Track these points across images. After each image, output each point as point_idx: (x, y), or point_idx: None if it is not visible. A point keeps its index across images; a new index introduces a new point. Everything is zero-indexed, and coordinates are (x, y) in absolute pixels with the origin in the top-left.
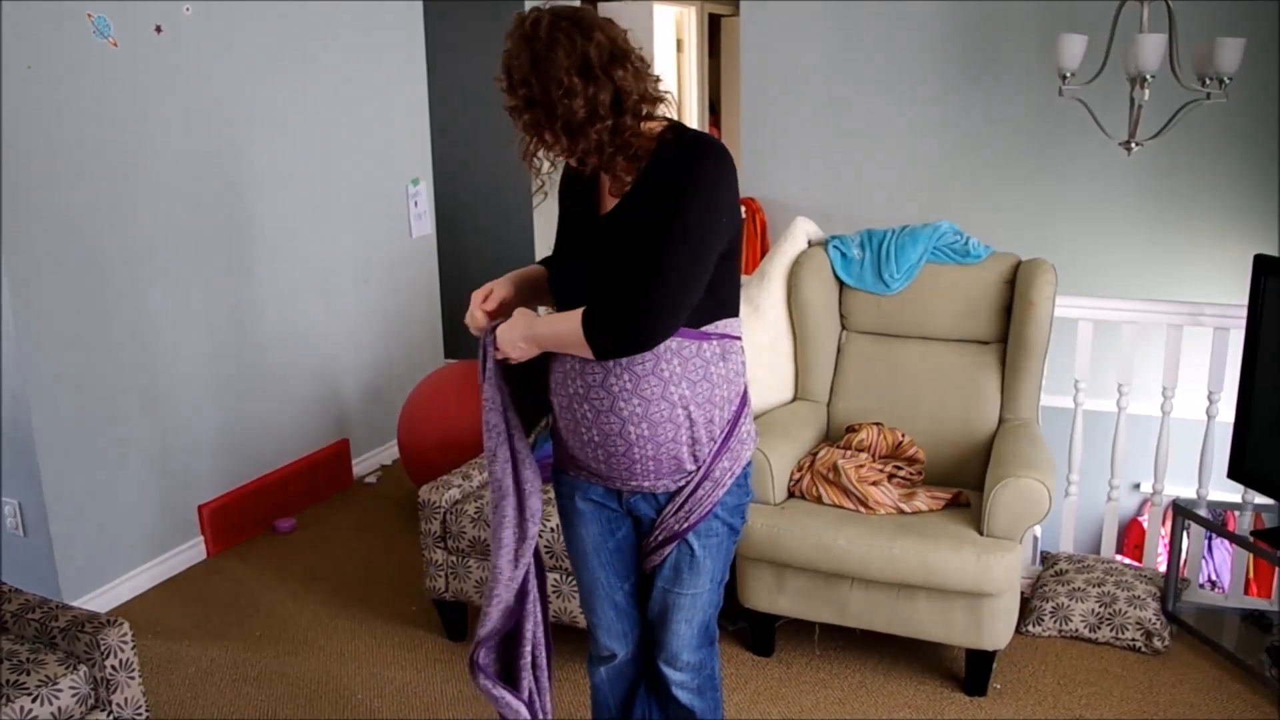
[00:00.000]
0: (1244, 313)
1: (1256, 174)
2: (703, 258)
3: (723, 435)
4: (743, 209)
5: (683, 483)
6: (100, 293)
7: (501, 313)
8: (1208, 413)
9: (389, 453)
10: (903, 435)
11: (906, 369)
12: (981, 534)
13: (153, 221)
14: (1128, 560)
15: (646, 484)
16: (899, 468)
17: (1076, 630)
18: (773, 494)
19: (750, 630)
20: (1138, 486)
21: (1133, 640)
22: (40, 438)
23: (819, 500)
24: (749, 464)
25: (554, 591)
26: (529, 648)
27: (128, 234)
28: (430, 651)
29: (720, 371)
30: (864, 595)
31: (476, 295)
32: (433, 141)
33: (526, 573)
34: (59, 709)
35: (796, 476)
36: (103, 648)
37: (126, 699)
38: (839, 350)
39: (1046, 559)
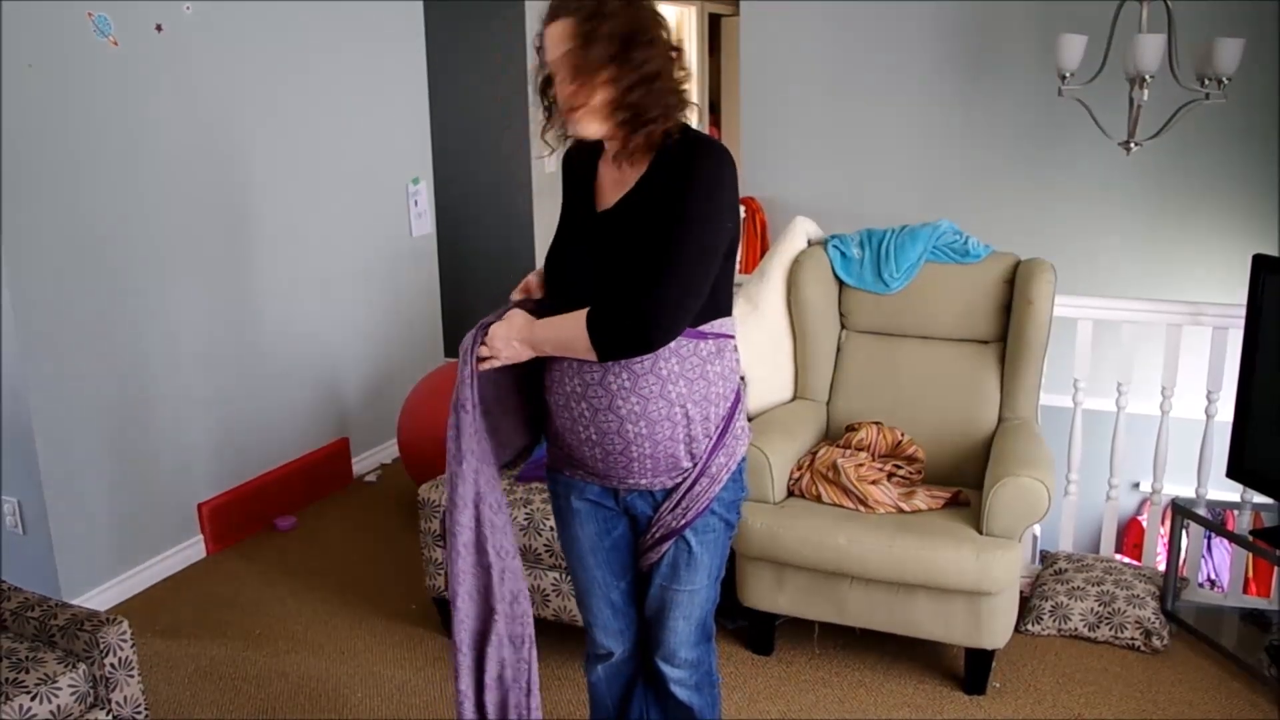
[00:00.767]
0: (1243, 312)
1: (1255, 174)
2: (707, 259)
3: (718, 432)
4: (742, 209)
5: (679, 480)
6: (100, 291)
7: (525, 291)
8: (1207, 412)
9: (389, 451)
10: (902, 434)
11: (906, 368)
12: (981, 533)
13: (153, 220)
14: (1127, 559)
15: (644, 482)
16: (898, 467)
17: (1075, 629)
18: (772, 493)
19: (750, 629)
20: (1137, 486)
21: (1132, 639)
22: (40, 436)
23: (819, 499)
24: (744, 459)
25: (553, 590)
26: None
27: (128, 232)
28: (430, 650)
29: (716, 369)
30: (863, 594)
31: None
32: (433, 140)
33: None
34: (58, 707)
35: (796, 475)
36: (102, 646)
37: (126, 697)
38: (838, 349)
39: (1046, 558)
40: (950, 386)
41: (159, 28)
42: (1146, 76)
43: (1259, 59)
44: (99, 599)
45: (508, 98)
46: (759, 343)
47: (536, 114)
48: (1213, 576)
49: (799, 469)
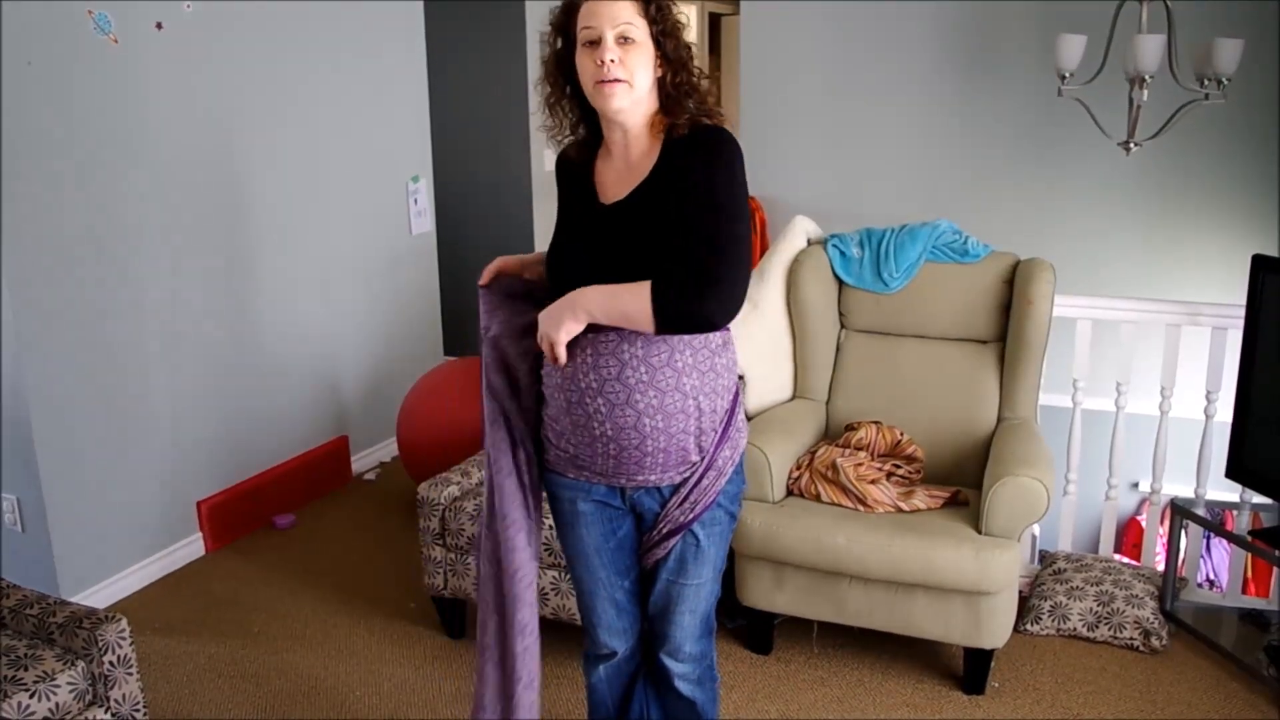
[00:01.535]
0: (1242, 312)
1: (1254, 174)
2: (748, 242)
3: (723, 425)
4: None
5: (687, 474)
6: (99, 288)
7: (492, 279)
8: (1206, 412)
9: (388, 449)
10: (901, 434)
11: (905, 368)
12: (980, 532)
13: (153, 218)
14: (1126, 559)
15: (654, 477)
16: (898, 466)
17: (1074, 629)
18: (771, 492)
19: (749, 628)
20: (1136, 485)
21: (1130, 639)
22: (39, 433)
23: (818, 498)
24: (744, 451)
25: (552, 589)
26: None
27: (127, 230)
28: (429, 649)
29: (723, 361)
30: (862, 593)
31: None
32: (433, 138)
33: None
34: (56, 705)
35: (795, 475)
36: (101, 644)
37: (124, 695)
38: (838, 349)
39: (1045, 558)
40: (949, 386)
41: (159, 25)
42: (1146, 77)
43: (1259, 59)
44: (98, 596)
45: (508, 96)
46: (759, 342)
47: (536, 112)
48: (1211, 576)
49: (798, 468)
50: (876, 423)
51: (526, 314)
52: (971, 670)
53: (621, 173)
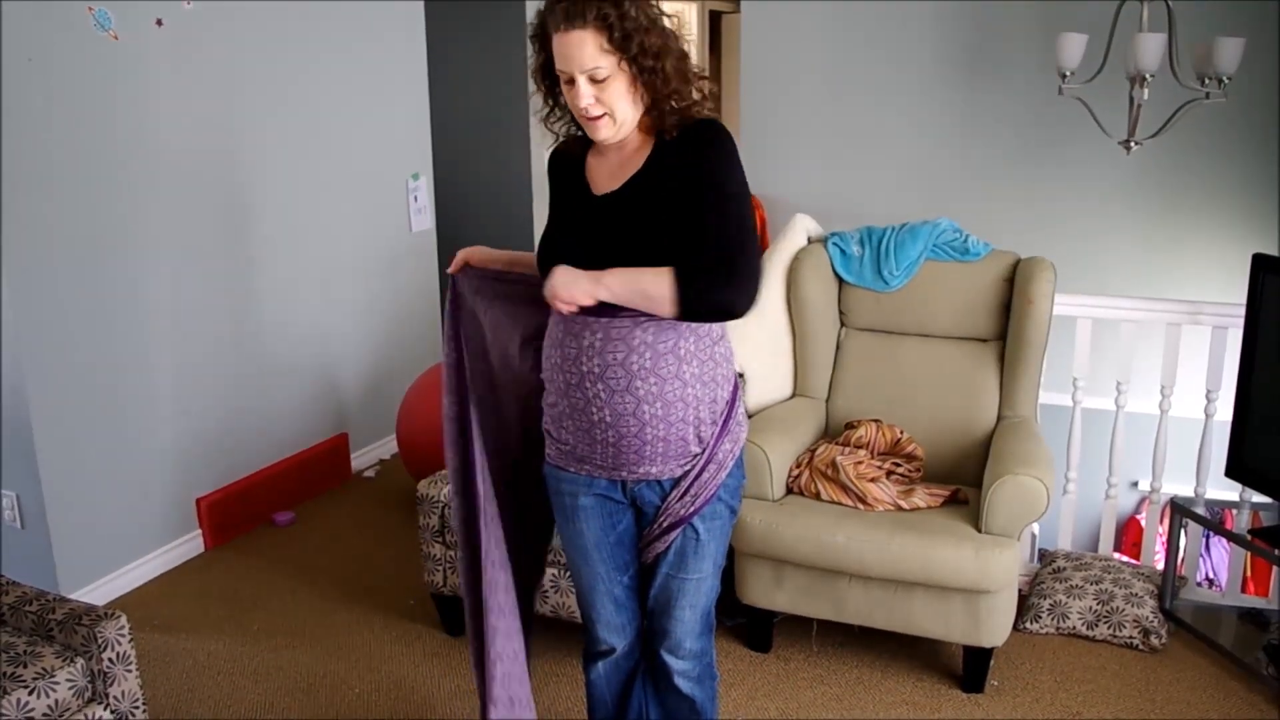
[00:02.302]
0: (1242, 311)
1: (1255, 173)
2: (755, 225)
3: (723, 417)
4: None
5: (687, 467)
6: (99, 286)
7: (463, 272)
8: (1206, 411)
9: (388, 447)
10: (901, 432)
11: (905, 366)
12: (980, 531)
13: (153, 215)
14: (1125, 558)
15: (654, 470)
16: (897, 464)
17: (1074, 628)
18: (771, 490)
19: (748, 626)
20: (1136, 484)
21: (1130, 638)
22: (39, 430)
23: (817, 497)
24: (744, 446)
25: (551, 587)
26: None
27: (127, 227)
28: (428, 646)
29: (721, 351)
30: (862, 592)
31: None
32: (433, 136)
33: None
34: (56, 702)
35: (795, 473)
36: (100, 640)
37: (124, 692)
38: (838, 347)
39: (1044, 556)
40: (950, 385)
41: (159, 22)
42: (1147, 75)
43: (1259, 58)
44: (97, 593)
45: (507, 93)
46: (758, 340)
47: (536, 108)
48: (1211, 575)
49: (798, 466)
50: (876, 421)
51: (509, 305)
52: (971, 669)
53: (614, 166)
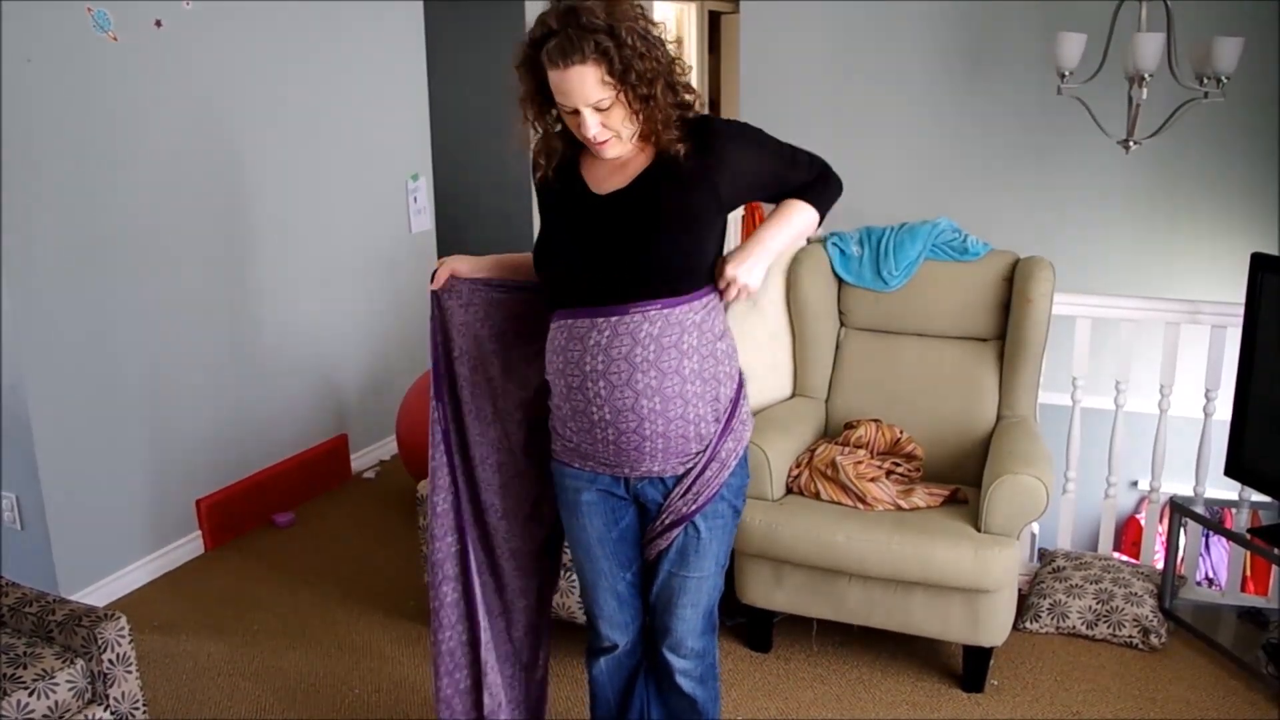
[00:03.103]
0: (1241, 310)
1: (1254, 172)
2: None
3: (726, 416)
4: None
5: (690, 465)
6: (99, 287)
7: (449, 286)
8: (1205, 410)
9: (387, 448)
10: (901, 432)
11: (905, 366)
12: (979, 530)
13: (152, 215)
14: (1125, 557)
15: (655, 467)
16: (897, 464)
17: (1074, 627)
18: (771, 490)
19: (748, 626)
20: (1135, 484)
21: (1130, 637)
22: (38, 431)
23: (817, 496)
24: (747, 446)
25: None
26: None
27: (127, 228)
28: (428, 646)
29: (722, 348)
30: (862, 591)
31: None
32: (432, 136)
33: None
34: (56, 703)
35: (795, 473)
36: (100, 642)
37: (124, 693)
38: (837, 347)
39: (1044, 556)
40: (949, 384)
41: (158, 23)
42: (1146, 75)
43: (1258, 58)
44: (97, 595)
45: (507, 93)
46: (758, 340)
47: (527, 139)
48: (1210, 574)
49: (798, 466)
50: (876, 421)
51: (504, 312)
52: (971, 668)
53: (614, 166)
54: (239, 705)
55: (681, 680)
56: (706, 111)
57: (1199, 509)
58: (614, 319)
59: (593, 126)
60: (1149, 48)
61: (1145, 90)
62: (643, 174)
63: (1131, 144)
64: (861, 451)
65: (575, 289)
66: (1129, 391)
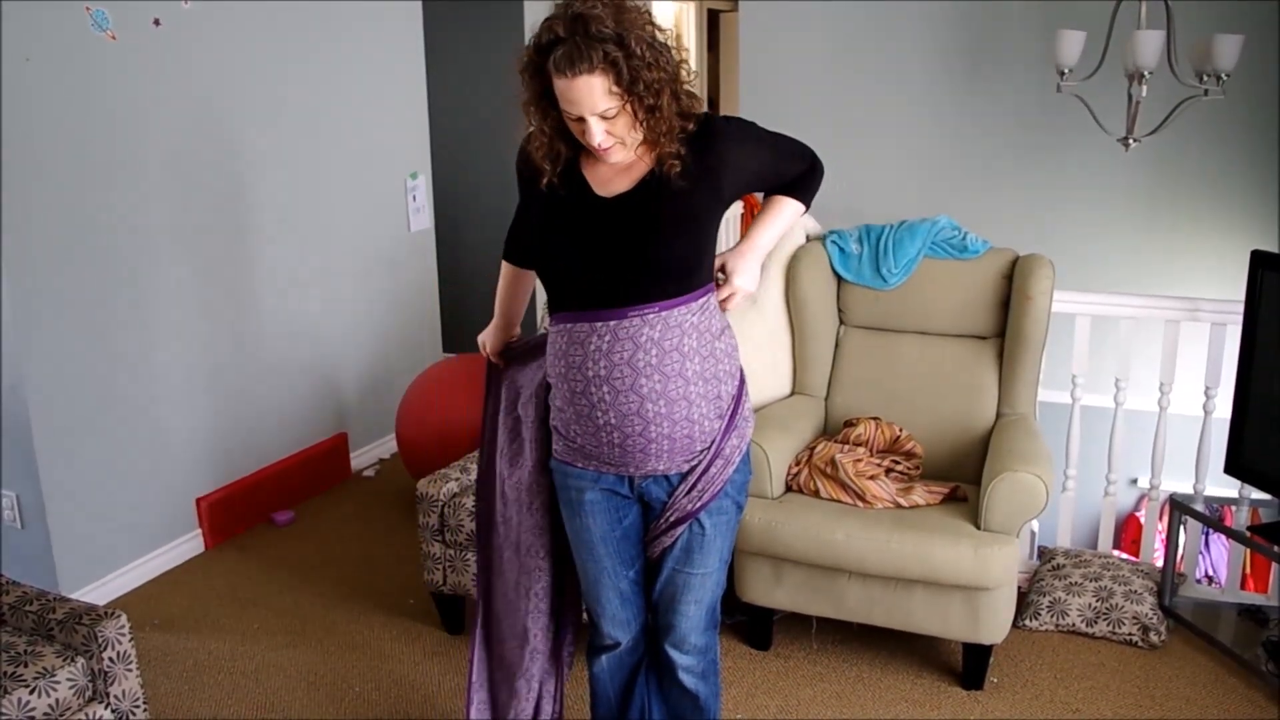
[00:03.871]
0: (1241, 308)
1: (1254, 170)
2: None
3: (729, 413)
4: (740, 203)
5: (694, 463)
6: (98, 285)
7: (502, 352)
8: (1205, 408)
9: (387, 446)
10: (900, 430)
11: (904, 364)
12: (979, 528)
13: (151, 214)
14: (1125, 555)
15: (660, 466)
16: (896, 462)
17: (1073, 625)
18: (770, 488)
19: (748, 624)
20: (1135, 482)
21: (1129, 635)
22: (38, 430)
23: (816, 494)
24: (750, 442)
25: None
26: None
27: (126, 227)
28: (428, 644)
29: (722, 347)
30: (861, 589)
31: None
32: (431, 135)
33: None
34: (56, 701)
35: (794, 471)
36: (100, 640)
37: (124, 691)
38: (837, 345)
39: (1044, 554)
40: (948, 382)
41: (157, 22)
42: (1145, 72)
43: (1258, 55)
44: (97, 593)
45: (506, 92)
46: (757, 338)
47: (535, 144)
48: (1210, 572)
49: (797, 464)
50: (875, 419)
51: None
52: (970, 666)
53: (618, 168)
54: (239, 703)
55: (684, 677)
56: (705, 109)
57: (1199, 506)
58: (613, 322)
59: (598, 134)
60: (1149, 45)
61: (1145, 88)
62: (647, 177)
63: (1131, 141)
64: (861, 449)
65: (574, 291)
66: (1129, 389)
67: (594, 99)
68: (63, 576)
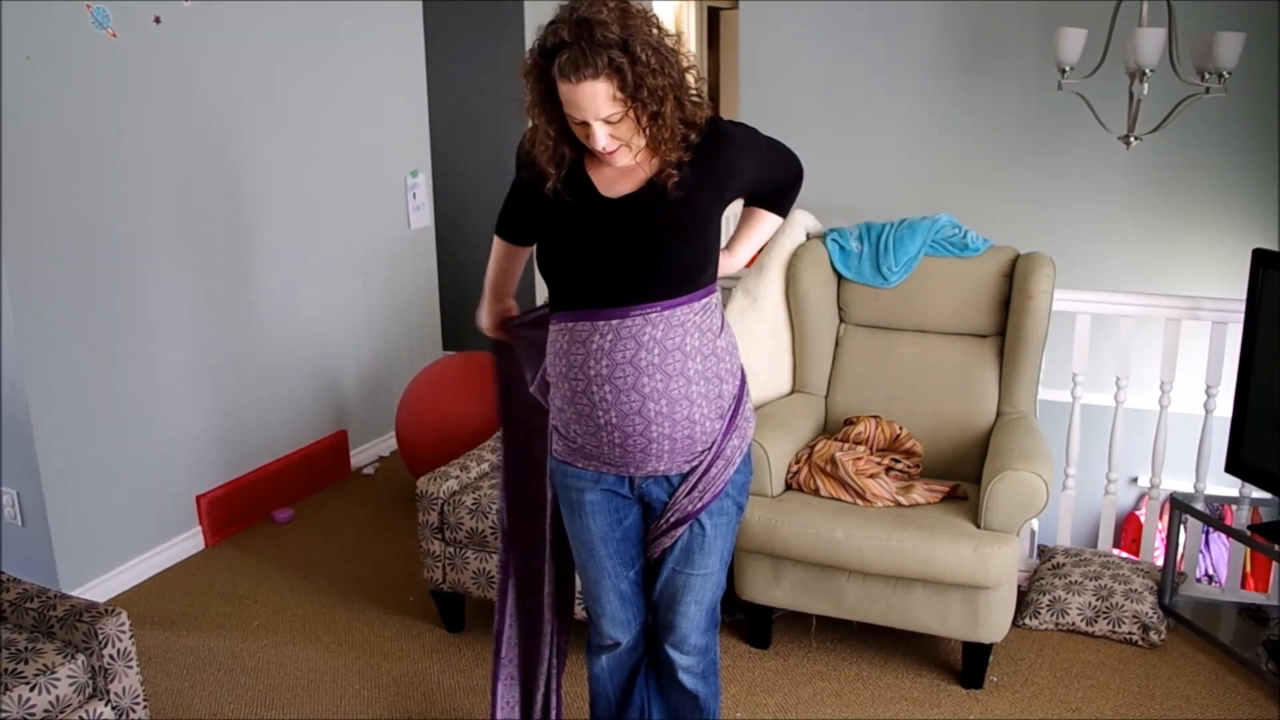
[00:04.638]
0: (1242, 307)
1: (1255, 168)
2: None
3: (730, 413)
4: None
5: (695, 463)
6: (98, 283)
7: (503, 325)
8: (1205, 407)
9: (387, 444)
10: (900, 428)
11: (904, 362)
12: (979, 527)
13: (151, 212)
14: (1125, 554)
15: (661, 467)
16: (896, 460)
17: (1073, 624)
18: (770, 486)
19: (747, 622)
20: (1135, 480)
21: (1129, 634)
22: (38, 427)
23: (816, 493)
24: (751, 442)
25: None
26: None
27: (126, 225)
28: (428, 643)
29: (723, 345)
30: (861, 588)
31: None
32: (431, 133)
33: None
34: (57, 698)
35: (794, 469)
36: (100, 637)
37: (124, 688)
38: (837, 343)
39: (1044, 552)
40: (949, 380)
41: (157, 20)
42: (1146, 70)
43: (1259, 53)
44: (97, 590)
45: (506, 91)
46: (757, 336)
47: (542, 148)
48: (1211, 571)
49: (797, 462)
50: (875, 417)
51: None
52: (970, 665)
53: (623, 169)
54: (239, 700)
55: (684, 677)
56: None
57: (1199, 505)
58: (615, 322)
59: (602, 139)
60: (1150, 43)
61: (1146, 85)
62: (652, 178)
63: (1132, 139)
64: (861, 448)
65: (578, 290)
66: (1129, 388)
67: (598, 104)
68: (63, 574)
